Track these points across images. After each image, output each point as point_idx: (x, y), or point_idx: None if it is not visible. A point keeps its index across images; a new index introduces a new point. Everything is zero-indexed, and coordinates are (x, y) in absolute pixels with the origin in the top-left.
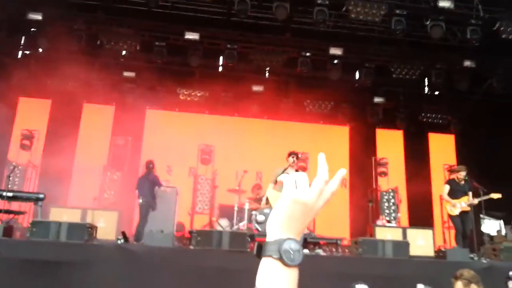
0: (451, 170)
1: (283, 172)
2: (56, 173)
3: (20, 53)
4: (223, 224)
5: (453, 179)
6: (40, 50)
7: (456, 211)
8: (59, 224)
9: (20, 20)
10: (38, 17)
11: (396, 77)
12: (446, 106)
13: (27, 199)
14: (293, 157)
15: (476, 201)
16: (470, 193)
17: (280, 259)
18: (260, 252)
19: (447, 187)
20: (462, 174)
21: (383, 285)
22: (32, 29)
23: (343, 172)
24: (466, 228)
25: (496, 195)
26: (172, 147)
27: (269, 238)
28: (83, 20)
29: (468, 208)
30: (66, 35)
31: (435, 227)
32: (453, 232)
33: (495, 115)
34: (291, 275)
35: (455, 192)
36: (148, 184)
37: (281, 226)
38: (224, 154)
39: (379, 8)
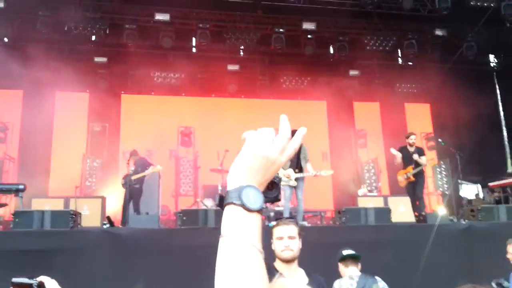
0: (427, 138)
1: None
2: (34, 164)
3: None
4: (208, 204)
5: (405, 146)
6: (6, 39)
7: (404, 182)
8: (42, 212)
9: None
10: (1, 4)
11: (370, 49)
12: (420, 76)
13: (7, 191)
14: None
15: (423, 160)
16: (416, 156)
17: (242, 204)
18: (223, 202)
19: (399, 154)
20: (412, 138)
21: (368, 250)
22: None
23: (304, 130)
24: (418, 192)
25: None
26: (151, 131)
27: (229, 187)
28: (46, 7)
29: (413, 179)
30: (31, 22)
31: None
32: (433, 198)
33: (468, 81)
34: (254, 220)
35: (405, 159)
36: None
37: (242, 176)
38: (204, 135)
39: None
